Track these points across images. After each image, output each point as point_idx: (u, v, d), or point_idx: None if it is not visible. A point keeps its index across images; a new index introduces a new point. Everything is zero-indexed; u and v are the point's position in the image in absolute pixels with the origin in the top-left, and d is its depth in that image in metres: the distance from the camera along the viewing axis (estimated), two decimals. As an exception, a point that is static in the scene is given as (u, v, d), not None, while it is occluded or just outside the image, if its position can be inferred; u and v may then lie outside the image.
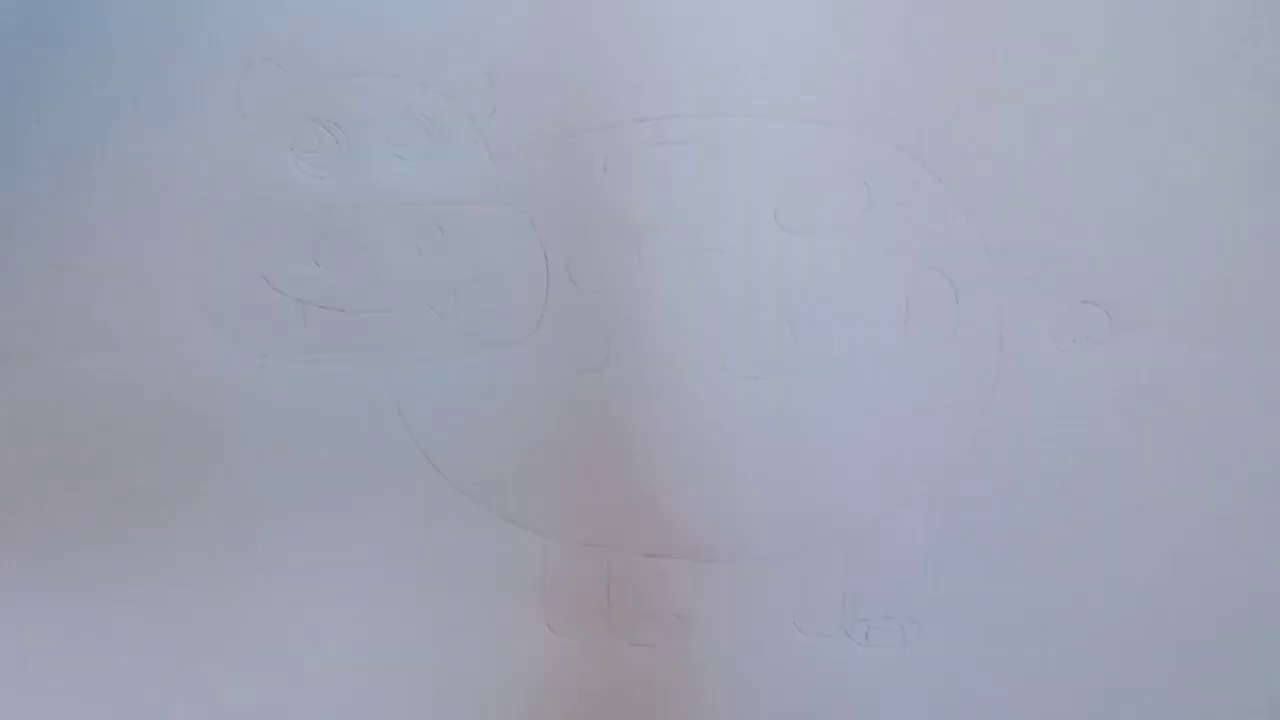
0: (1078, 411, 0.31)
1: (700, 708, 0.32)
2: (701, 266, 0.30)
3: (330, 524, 0.30)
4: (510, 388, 0.30)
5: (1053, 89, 0.30)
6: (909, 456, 0.31)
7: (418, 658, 0.31)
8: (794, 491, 0.31)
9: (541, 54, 0.29)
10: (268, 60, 0.28)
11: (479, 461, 0.30)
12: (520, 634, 0.31)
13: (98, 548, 0.29)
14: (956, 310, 0.31)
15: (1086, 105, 0.30)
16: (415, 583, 0.30)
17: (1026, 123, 0.30)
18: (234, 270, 0.29)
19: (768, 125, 0.30)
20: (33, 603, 0.29)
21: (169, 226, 0.28)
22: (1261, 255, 0.31)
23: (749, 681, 0.32)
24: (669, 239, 0.30)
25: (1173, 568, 0.32)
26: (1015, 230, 0.30)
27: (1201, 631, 0.32)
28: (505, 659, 0.31)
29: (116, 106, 0.28)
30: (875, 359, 0.31)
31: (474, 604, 0.31)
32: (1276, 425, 0.31)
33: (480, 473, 0.30)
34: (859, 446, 0.31)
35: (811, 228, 0.30)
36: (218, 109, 0.28)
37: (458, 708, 0.31)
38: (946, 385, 0.31)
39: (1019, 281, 0.31)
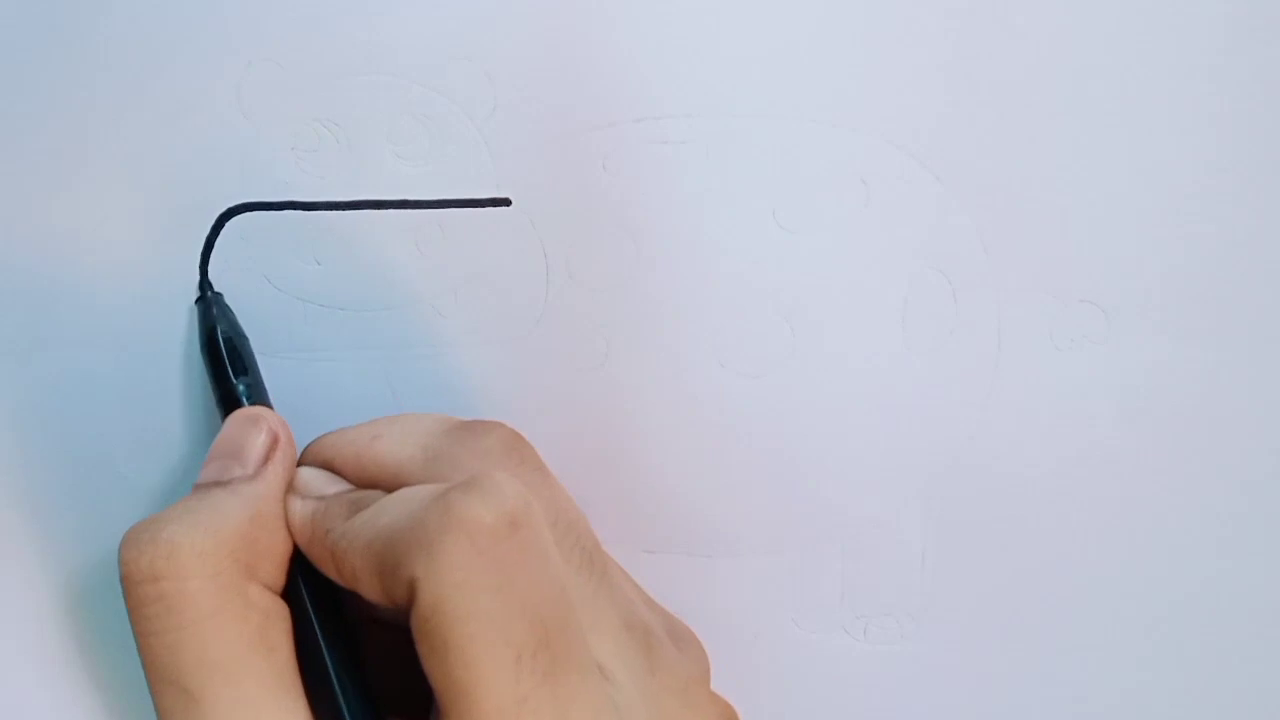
0: (1076, 410, 0.31)
1: (699, 705, 0.32)
2: (701, 266, 0.30)
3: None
4: (510, 386, 0.30)
5: (1052, 89, 0.30)
6: (908, 455, 0.31)
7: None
8: (793, 489, 0.31)
9: (541, 54, 0.29)
10: (268, 60, 0.28)
11: (479, 460, 0.30)
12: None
13: (98, 547, 0.29)
14: (955, 310, 0.31)
15: (1086, 105, 0.30)
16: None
17: (1026, 123, 0.30)
18: (234, 270, 0.29)
19: (768, 125, 0.30)
20: (32, 602, 0.29)
21: (169, 226, 0.28)
22: (1260, 255, 0.31)
23: (747, 678, 0.32)
24: (669, 239, 0.30)
25: (1171, 567, 0.32)
26: (1014, 230, 0.30)
27: (1201, 631, 0.32)
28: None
29: (116, 106, 0.28)
30: (874, 358, 0.31)
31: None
32: (1275, 425, 0.31)
33: (480, 471, 0.30)
34: (858, 445, 0.31)
35: (811, 227, 0.30)
36: (218, 109, 0.28)
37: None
38: (945, 384, 0.31)
39: (1017, 281, 0.31)
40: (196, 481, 0.24)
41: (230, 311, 0.28)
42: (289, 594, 0.24)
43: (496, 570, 0.20)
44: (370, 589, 0.22)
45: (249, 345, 0.27)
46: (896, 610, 0.32)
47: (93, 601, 0.29)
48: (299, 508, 0.24)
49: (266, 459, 0.24)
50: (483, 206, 0.29)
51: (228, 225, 0.28)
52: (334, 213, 0.29)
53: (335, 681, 0.23)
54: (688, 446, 0.31)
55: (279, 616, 0.23)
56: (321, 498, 0.24)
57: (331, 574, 0.23)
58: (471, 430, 0.25)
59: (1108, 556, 0.32)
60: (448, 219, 0.29)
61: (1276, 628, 0.32)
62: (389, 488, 0.24)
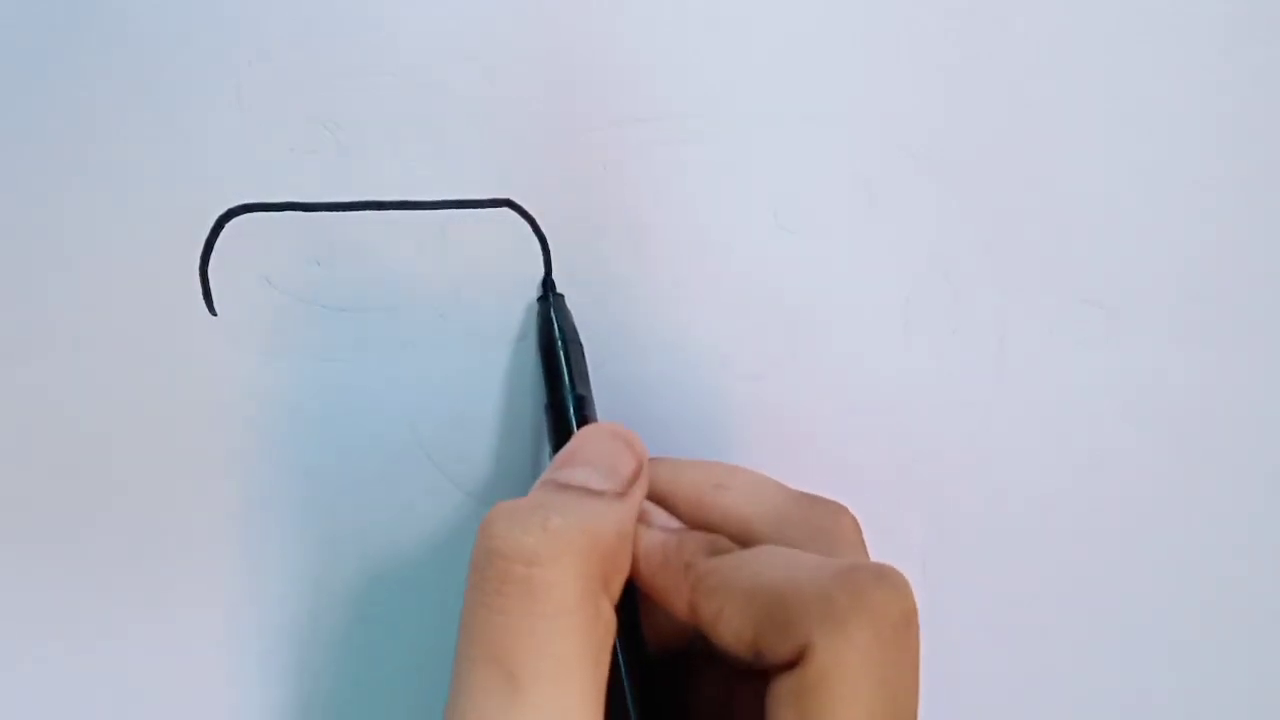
0: (1077, 410, 0.31)
1: (700, 706, 0.32)
2: (702, 266, 0.30)
3: (331, 524, 0.30)
4: (511, 388, 0.30)
5: (1053, 89, 0.30)
6: (909, 456, 0.31)
7: (420, 656, 0.31)
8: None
9: (542, 54, 0.29)
10: (268, 60, 0.28)
11: (480, 461, 0.30)
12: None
13: (98, 547, 0.29)
14: (956, 310, 0.31)
15: (1087, 105, 0.30)
16: (416, 582, 0.30)
17: (1027, 123, 0.30)
18: (234, 270, 0.29)
19: (768, 125, 0.30)
20: (32, 602, 0.29)
21: (169, 226, 0.28)
22: (1260, 255, 0.31)
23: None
24: (670, 239, 0.30)
25: (1173, 567, 0.32)
26: (1015, 230, 0.30)
27: (1201, 631, 0.32)
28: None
29: (117, 106, 0.28)
30: (875, 358, 0.31)
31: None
32: (1276, 425, 0.31)
33: (482, 472, 0.30)
34: (858, 446, 0.31)
35: (812, 228, 0.30)
36: (218, 109, 0.28)
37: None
38: (946, 385, 0.31)
39: (1018, 281, 0.31)
40: (557, 479, 0.24)
41: (570, 314, 0.28)
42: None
43: (889, 665, 0.21)
44: (733, 632, 0.22)
45: (584, 354, 0.28)
46: (897, 612, 0.32)
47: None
48: (648, 535, 0.25)
49: (633, 482, 0.25)
50: (483, 207, 0.29)
51: (228, 226, 0.28)
52: (334, 214, 0.29)
53: (633, 705, 0.24)
54: (689, 447, 0.31)
55: (612, 633, 0.23)
56: (669, 530, 0.25)
57: (678, 605, 0.24)
58: (823, 506, 0.26)
59: (1108, 557, 0.32)
60: (448, 220, 0.29)
61: (1277, 628, 0.32)
62: (734, 539, 0.25)
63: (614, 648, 0.23)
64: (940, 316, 0.31)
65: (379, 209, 0.29)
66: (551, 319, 0.28)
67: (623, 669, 0.24)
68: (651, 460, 0.27)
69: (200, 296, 0.29)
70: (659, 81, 0.29)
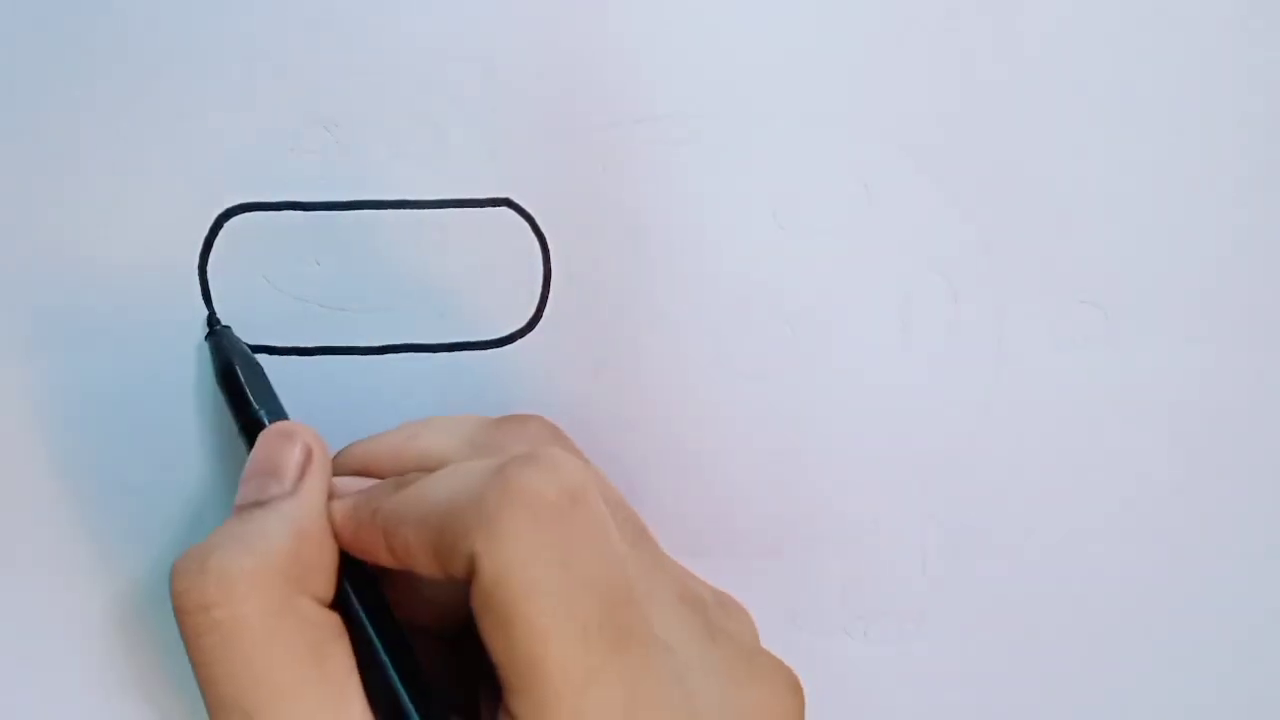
0: (1075, 411, 0.31)
1: (699, 705, 0.32)
2: (702, 267, 0.30)
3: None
4: (509, 387, 0.30)
5: (1053, 89, 0.30)
6: (908, 455, 0.31)
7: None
8: (793, 490, 0.31)
9: (541, 53, 0.29)
10: (268, 60, 0.28)
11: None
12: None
13: (98, 547, 0.29)
14: (955, 310, 0.31)
15: (1086, 105, 0.30)
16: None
17: (1025, 123, 0.30)
18: (234, 271, 0.29)
19: (768, 125, 0.30)
20: (32, 602, 0.29)
21: (169, 227, 0.28)
22: (1260, 255, 0.31)
23: (748, 678, 0.32)
24: (669, 239, 0.30)
25: (1171, 567, 0.32)
26: (1013, 230, 0.30)
27: (1201, 631, 0.32)
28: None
29: (116, 107, 0.28)
30: (874, 359, 0.31)
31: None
32: (1276, 425, 0.31)
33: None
34: (858, 446, 0.31)
35: (810, 228, 0.30)
36: (217, 109, 0.28)
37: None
38: (945, 385, 0.31)
39: (1017, 281, 0.31)
40: (235, 503, 0.24)
41: (241, 342, 0.28)
42: (341, 604, 0.23)
43: (560, 544, 0.20)
44: (426, 564, 0.22)
45: (264, 373, 0.27)
46: (896, 611, 0.32)
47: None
48: (340, 505, 0.24)
49: (303, 473, 0.24)
50: (483, 207, 0.29)
51: (227, 226, 0.28)
52: (334, 214, 0.29)
53: (395, 679, 0.23)
54: (688, 447, 0.31)
55: (331, 627, 0.23)
56: (357, 492, 0.24)
57: (382, 557, 0.23)
58: (510, 420, 0.26)
59: (1107, 557, 0.32)
60: (448, 219, 0.29)
61: (1277, 628, 0.32)
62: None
63: (368, 633, 0.23)
64: (939, 316, 0.31)
65: (379, 209, 0.29)
66: (223, 350, 0.28)
67: (379, 650, 0.23)
68: (353, 445, 0.27)
69: (200, 296, 0.29)
70: (658, 81, 0.29)
